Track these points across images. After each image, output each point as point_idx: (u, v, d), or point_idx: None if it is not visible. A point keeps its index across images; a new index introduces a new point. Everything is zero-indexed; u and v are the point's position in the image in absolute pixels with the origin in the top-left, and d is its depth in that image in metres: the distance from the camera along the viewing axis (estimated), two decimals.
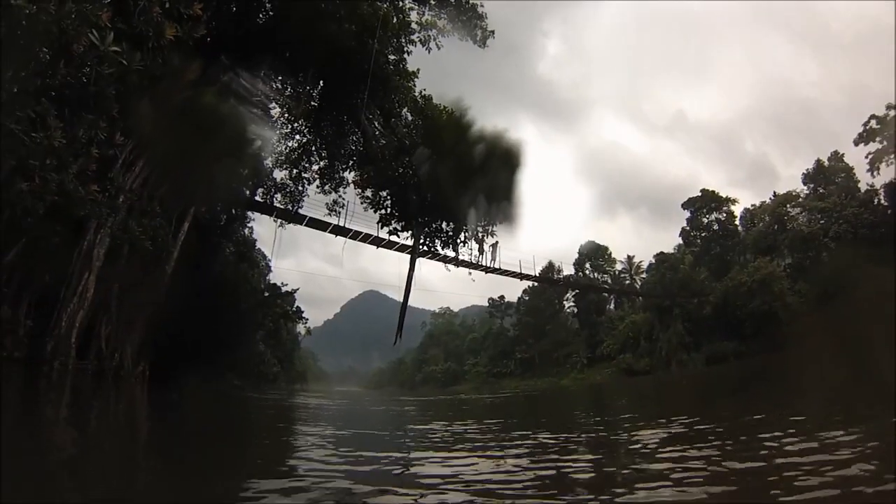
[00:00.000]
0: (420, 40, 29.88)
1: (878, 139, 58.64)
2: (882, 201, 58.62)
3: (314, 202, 34.07)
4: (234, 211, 35.00)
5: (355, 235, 35.24)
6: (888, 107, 57.53)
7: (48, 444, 6.25)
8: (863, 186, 61.12)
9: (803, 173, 66.31)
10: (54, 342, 16.29)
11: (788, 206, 65.13)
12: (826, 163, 64.54)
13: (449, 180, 27.98)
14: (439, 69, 30.51)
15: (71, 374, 16.18)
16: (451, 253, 33.43)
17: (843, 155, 63.87)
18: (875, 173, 59.41)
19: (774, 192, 69.51)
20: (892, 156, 57.32)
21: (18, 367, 15.28)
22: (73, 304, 16.82)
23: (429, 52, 30.06)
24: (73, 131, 9.20)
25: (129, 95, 9.91)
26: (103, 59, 8.25)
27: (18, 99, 8.02)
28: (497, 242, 36.62)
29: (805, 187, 65.92)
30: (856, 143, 60.59)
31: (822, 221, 59.30)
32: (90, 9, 7.82)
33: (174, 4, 9.86)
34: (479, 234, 32.60)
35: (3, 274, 15.04)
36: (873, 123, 58.79)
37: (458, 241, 32.23)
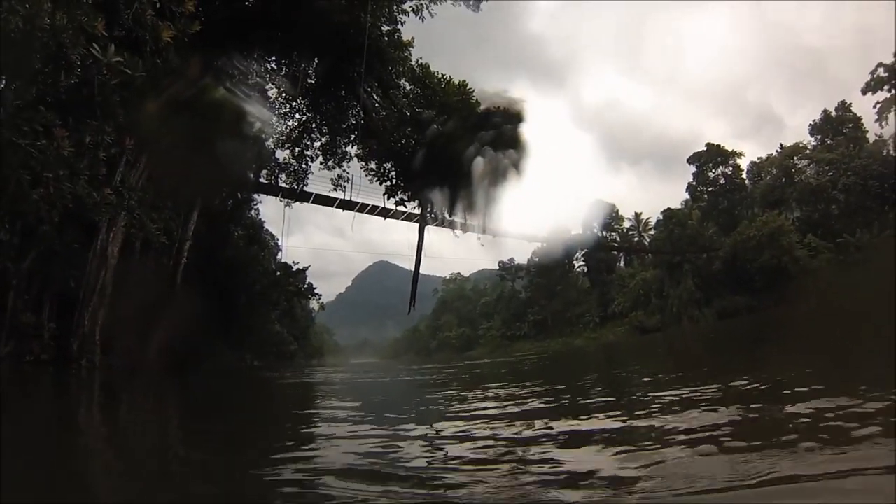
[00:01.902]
0: (413, 9, 29.60)
1: (885, 88, 57.35)
2: (891, 152, 57.51)
3: (319, 178, 34.13)
4: (240, 195, 35.15)
5: (362, 208, 35.33)
6: None
7: (88, 444, 6.50)
8: (871, 137, 60.31)
9: (810, 124, 65.44)
10: (79, 341, 16.64)
11: (796, 158, 64.32)
12: (833, 113, 63.39)
13: (452, 142, 27.97)
14: (431, 36, 30.23)
15: (98, 371, 16.54)
16: (458, 219, 33.51)
17: (850, 105, 62.65)
18: (883, 123, 58.36)
19: (781, 145, 68.79)
20: None
21: (47, 369, 15.66)
22: (93, 303, 17.14)
23: (422, 20, 29.79)
24: (79, 137, 9.33)
25: (132, 99, 9.99)
26: (107, 69, 8.33)
27: (22, 112, 8.15)
28: (504, 205, 36.54)
29: (812, 138, 65.12)
30: (863, 93, 59.21)
31: (830, 173, 58.44)
32: (86, 21, 7.89)
33: (166, 4, 9.89)
34: (486, 198, 32.59)
35: (23, 280, 15.35)
36: (881, 72, 57.29)
37: (465, 205, 32.27)
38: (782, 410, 5.76)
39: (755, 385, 8.02)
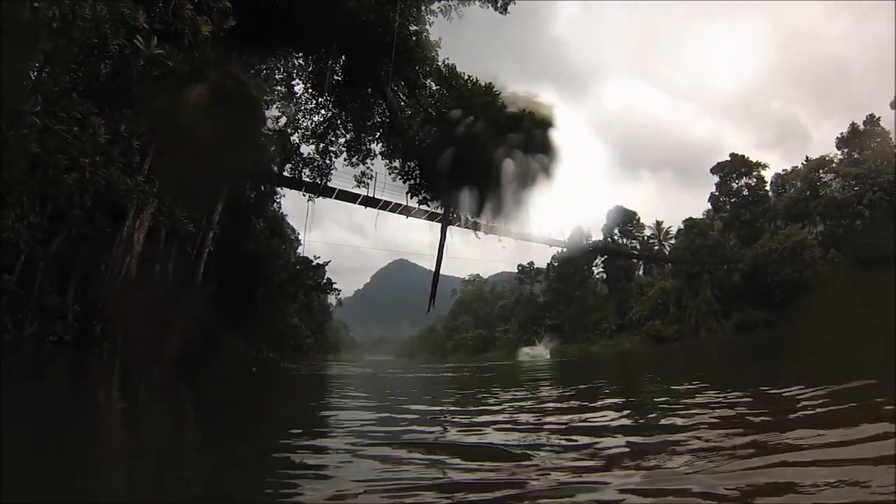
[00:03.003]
0: (441, 10, 29.80)
1: None
2: None
3: (342, 174, 34.40)
4: (263, 187, 35.52)
5: (385, 206, 35.50)
6: None
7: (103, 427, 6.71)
8: None
9: (837, 137, 64.32)
10: (102, 325, 16.97)
11: (821, 171, 63.28)
12: (861, 126, 62.49)
13: (478, 144, 28.06)
14: (455, 38, 30.44)
15: (119, 356, 16.86)
16: (481, 220, 33.60)
17: (878, 118, 61.49)
18: None
19: (807, 157, 67.83)
20: None
21: (69, 350, 16.01)
22: (117, 288, 17.47)
23: (450, 21, 29.99)
24: (114, 126, 9.61)
25: (168, 90, 10.25)
26: (148, 61, 8.57)
27: (60, 100, 8.43)
28: (527, 209, 36.48)
29: (839, 152, 63.90)
30: (892, 107, 58.26)
31: (856, 188, 57.51)
32: (128, 13, 8.13)
33: (203, 1, 10.14)
34: (510, 201, 32.61)
35: (50, 262, 15.71)
36: None
37: (489, 207, 32.37)
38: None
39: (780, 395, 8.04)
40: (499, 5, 30.24)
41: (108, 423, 7.10)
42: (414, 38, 28.94)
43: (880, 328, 24.31)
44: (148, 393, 11.30)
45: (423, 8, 29.14)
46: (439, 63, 30.43)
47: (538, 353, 60.59)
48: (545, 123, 28.20)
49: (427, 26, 29.71)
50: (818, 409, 5.91)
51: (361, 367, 29.79)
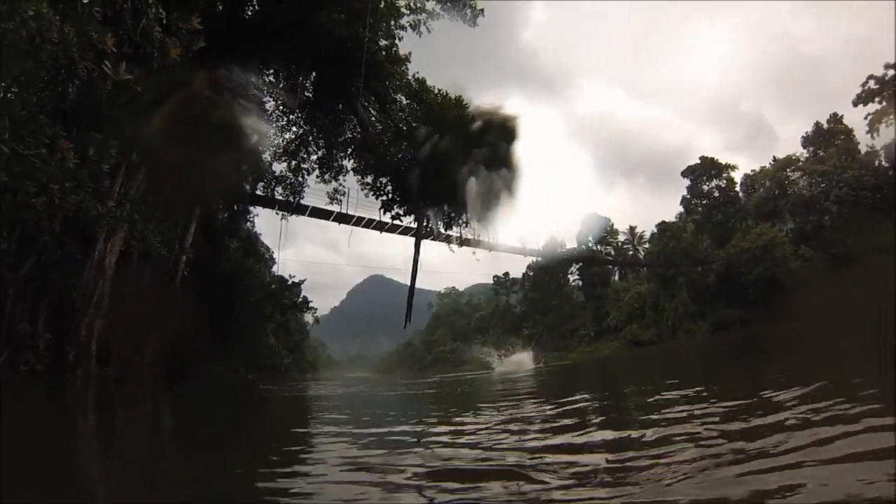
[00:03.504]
0: (410, 25, 29.88)
1: (877, 100, 57.96)
2: (883, 162, 58.19)
3: (315, 192, 34.38)
4: (236, 207, 35.25)
5: (358, 222, 35.53)
6: (886, 66, 56.66)
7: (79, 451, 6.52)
8: (863, 148, 60.58)
9: (802, 136, 65.78)
10: (75, 352, 16.59)
11: (788, 170, 64.72)
12: (825, 125, 63.95)
13: (448, 160, 28.16)
14: (424, 47, 30.62)
15: (93, 381, 16.49)
16: (454, 233, 33.72)
17: (842, 116, 62.91)
18: (875, 135, 58.76)
19: (774, 157, 69.24)
20: (892, 116, 56.89)
21: (41, 379, 15.61)
22: (89, 313, 17.11)
23: (419, 36, 30.09)
24: (83, 150, 9.42)
25: (137, 113, 10.08)
26: (117, 86, 8.42)
27: (28, 123, 8.23)
28: (499, 219, 36.67)
29: (805, 150, 65.45)
30: (854, 104, 59.54)
31: (822, 185, 58.88)
32: (96, 37, 7.98)
33: (172, 21, 10.00)
34: (481, 212, 32.70)
35: (19, 289, 15.34)
36: (872, 84, 57.88)
37: (461, 221, 32.44)
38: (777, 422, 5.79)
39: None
40: (468, 18, 30.41)
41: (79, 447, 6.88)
42: (384, 53, 29.03)
43: (856, 323, 24.70)
44: (124, 417, 11.03)
45: (392, 23, 29.21)
46: (410, 77, 30.60)
47: (521, 361, 60.40)
48: (511, 135, 28.47)
49: (397, 41, 29.78)
50: (805, 411, 5.86)
51: (341, 387, 29.48)
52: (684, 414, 7.23)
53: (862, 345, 15.16)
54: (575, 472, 4.63)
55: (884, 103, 57.02)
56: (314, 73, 29.94)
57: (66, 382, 15.98)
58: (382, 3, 28.35)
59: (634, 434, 6.09)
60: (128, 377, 18.51)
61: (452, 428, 8.41)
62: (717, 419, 6.44)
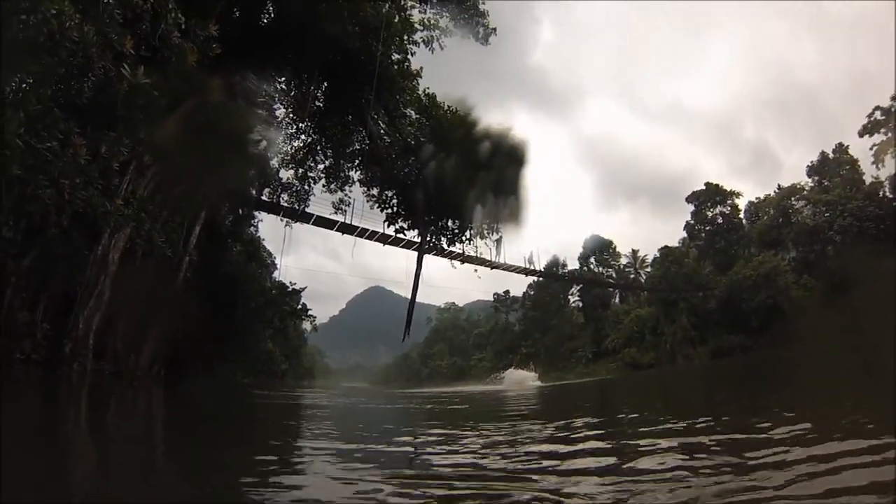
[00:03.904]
0: (423, 41, 30.12)
1: (882, 130, 58.01)
2: (887, 194, 58.27)
3: (320, 200, 34.50)
4: (241, 211, 35.38)
5: (362, 233, 35.58)
6: (893, 98, 56.93)
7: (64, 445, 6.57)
8: (867, 179, 60.76)
9: (808, 165, 66.15)
10: (72, 344, 16.66)
11: (793, 199, 65.02)
12: (830, 155, 64.22)
13: (455, 177, 28.32)
14: (434, 64, 30.86)
15: (89, 375, 16.55)
16: (457, 249, 33.82)
17: (847, 147, 63.31)
18: (880, 165, 58.85)
19: (779, 185, 69.72)
20: None
21: (37, 369, 15.66)
22: (89, 307, 17.20)
23: (432, 52, 30.32)
24: (95, 147, 9.56)
25: (152, 115, 10.22)
26: (133, 89, 8.57)
27: (44, 118, 8.38)
28: (502, 238, 36.78)
29: (809, 180, 65.74)
30: (860, 135, 59.71)
31: (826, 215, 59.00)
32: (115, 39, 8.15)
33: (191, 27, 10.16)
34: (485, 231, 32.83)
35: (21, 278, 15.44)
36: (878, 115, 58.01)
37: (464, 237, 32.55)
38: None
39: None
40: (480, 37, 30.66)
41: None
42: (396, 67, 29.21)
43: (858, 351, 24.68)
44: (115, 414, 11.09)
45: (406, 38, 29.44)
46: (420, 92, 30.74)
47: (523, 377, 60.33)
48: (519, 160, 28.66)
49: (409, 56, 30.00)
50: (809, 444, 5.89)
51: (337, 397, 29.42)
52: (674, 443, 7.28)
53: (861, 374, 15.21)
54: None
55: (889, 134, 57.18)
56: (325, 83, 30.15)
57: (61, 375, 16.03)
58: (397, 17, 28.59)
59: (626, 461, 6.14)
60: (123, 373, 18.59)
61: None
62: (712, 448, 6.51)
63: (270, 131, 28.66)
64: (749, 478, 4.43)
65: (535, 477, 5.38)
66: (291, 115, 31.63)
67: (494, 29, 30.84)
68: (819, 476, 4.07)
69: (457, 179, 28.47)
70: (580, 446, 7.45)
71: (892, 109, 57.10)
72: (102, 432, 7.97)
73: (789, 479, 4.17)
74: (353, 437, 9.10)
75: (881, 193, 58.67)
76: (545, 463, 5.84)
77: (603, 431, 9.11)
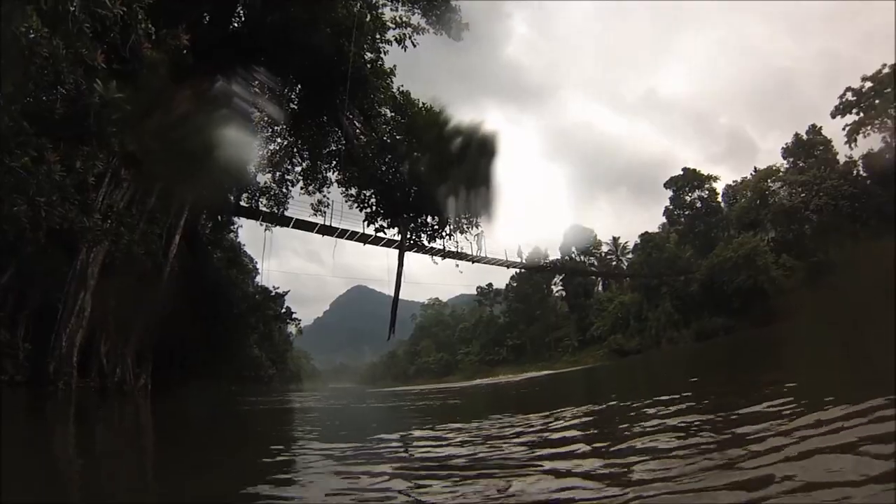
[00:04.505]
0: (396, 39, 29.95)
1: (854, 111, 59.56)
2: (861, 172, 59.55)
3: (299, 203, 34.32)
4: (220, 217, 35.08)
5: (342, 234, 35.47)
6: (863, 78, 58.64)
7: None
8: (841, 158, 61.83)
9: (782, 147, 67.08)
10: (56, 363, 16.40)
11: (769, 180, 65.94)
12: (804, 136, 65.13)
13: (430, 174, 28.29)
14: (407, 60, 30.72)
15: (75, 393, 16.31)
16: (437, 245, 33.77)
17: (820, 128, 64.36)
18: (853, 145, 60.19)
19: (755, 168, 70.69)
20: (869, 127, 58.12)
21: (21, 390, 15.39)
22: (71, 324, 16.94)
23: (405, 50, 30.16)
24: (69, 162, 9.38)
25: (125, 127, 10.05)
26: (108, 105, 8.44)
27: (18, 136, 8.21)
28: (482, 232, 36.82)
29: (785, 161, 66.67)
30: (833, 116, 61.32)
31: (802, 195, 59.91)
32: (86, 53, 8.00)
33: (161, 37, 10.01)
34: (464, 225, 32.78)
35: None
36: (849, 96, 59.68)
37: (444, 233, 32.49)
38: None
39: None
40: (452, 33, 30.53)
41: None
42: (369, 67, 29.04)
43: (837, 328, 25.00)
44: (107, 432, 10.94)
45: (378, 37, 29.27)
46: (394, 90, 30.61)
47: None
48: (491, 152, 28.66)
49: (382, 55, 29.84)
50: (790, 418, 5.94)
51: (326, 400, 29.35)
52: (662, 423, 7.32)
53: (841, 351, 15.40)
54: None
55: (861, 114, 58.29)
56: (299, 86, 29.95)
57: (46, 395, 15.77)
58: (368, 16, 28.41)
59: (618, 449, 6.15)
60: (109, 389, 18.34)
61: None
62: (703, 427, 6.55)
63: (247, 136, 28.42)
64: (730, 455, 4.50)
65: (534, 461, 5.43)
66: (266, 119, 31.41)
67: (467, 24, 30.73)
68: (795, 460, 4.09)
69: (433, 175, 28.45)
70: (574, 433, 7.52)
71: (863, 90, 58.21)
72: (91, 452, 7.86)
73: (769, 452, 4.31)
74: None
75: (855, 172, 59.84)
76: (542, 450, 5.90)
77: (592, 418, 9.18)
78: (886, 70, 56.29)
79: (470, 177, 28.22)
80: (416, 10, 30.21)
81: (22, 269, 15.71)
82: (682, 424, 6.94)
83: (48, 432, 9.47)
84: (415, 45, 30.24)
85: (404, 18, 30.04)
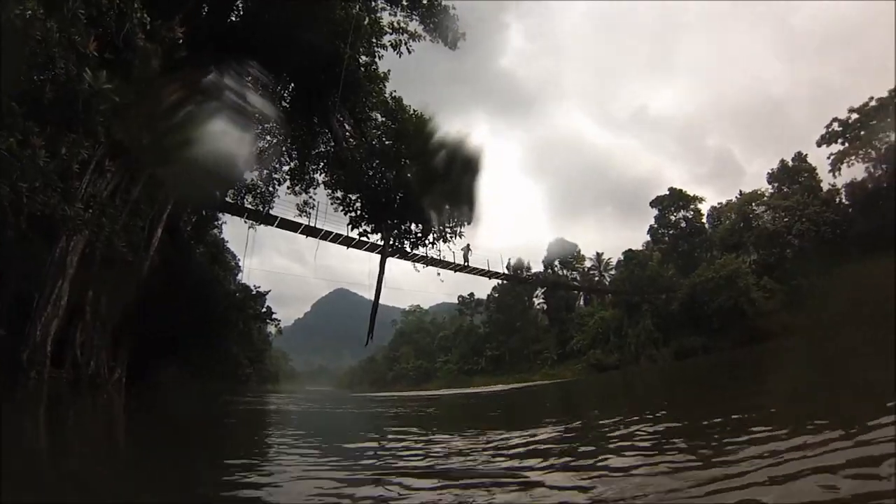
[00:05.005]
0: (392, 44, 29.94)
1: (839, 141, 61.51)
2: (843, 200, 61.40)
3: (284, 202, 34.18)
4: (204, 213, 34.79)
5: (326, 236, 35.38)
6: (850, 110, 60.60)
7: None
8: (825, 186, 63.31)
9: (768, 172, 68.40)
10: (29, 351, 16.08)
11: (754, 204, 67.19)
12: (790, 163, 66.33)
13: (416, 182, 28.30)
14: (400, 64, 30.77)
15: (47, 384, 16.01)
16: (420, 252, 33.77)
17: (806, 155, 65.85)
18: (836, 174, 62.11)
19: (740, 191, 71.97)
20: (853, 157, 59.44)
21: None
22: (47, 312, 16.63)
23: (399, 56, 30.15)
24: (54, 148, 9.22)
25: (114, 118, 9.91)
26: (96, 95, 8.32)
27: (4, 119, 8.06)
28: (468, 245, 36.92)
29: (770, 186, 67.88)
30: (818, 145, 63.23)
31: (785, 219, 60.91)
32: (79, 41, 7.89)
33: (156, 29, 9.90)
34: (448, 235, 32.76)
35: None
36: (835, 126, 61.72)
37: (427, 241, 32.48)
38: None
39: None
40: (448, 41, 30.55)
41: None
42: (363, 70, 29.00)
43: (815, 350, 25.25)
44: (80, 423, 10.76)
45: (374, 41, 29.24)
46: (386, 95, 30.57)
47: None
48: (473, 170, 28.73)
49: (377, 59, 29.81)
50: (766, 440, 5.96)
51: (303, 401, 29.21)
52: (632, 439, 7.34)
53: (818, 373, 15.54)
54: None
55: (846, 144, 59.69)
56: (293, 84, 29.82)
57: (18, 383, 15.47)
58: (367, 20, 28.37)
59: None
60: (83, 381, 18.04)
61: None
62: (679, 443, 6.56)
63: (236, 131, 28.22)
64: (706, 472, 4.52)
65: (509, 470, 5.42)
66: (257, 115, 31.23)
67: (464, 34, 30.76)
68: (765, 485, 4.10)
69: (420, 183, 28.47)
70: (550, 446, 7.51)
71: (850, 121, 59.51)
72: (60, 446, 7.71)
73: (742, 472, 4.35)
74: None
75: (837, 200, 61.57)
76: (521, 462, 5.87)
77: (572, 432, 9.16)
78: (873, 103, 57.67)
79: (453, 190, 28.27)
80: (414, 17, 30.23)
81: (1, 254, 15.42)
82: (651, 443, 6.98)
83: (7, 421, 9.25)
84: (410, 52, 30.27)
85: (402, 24, 30.07)
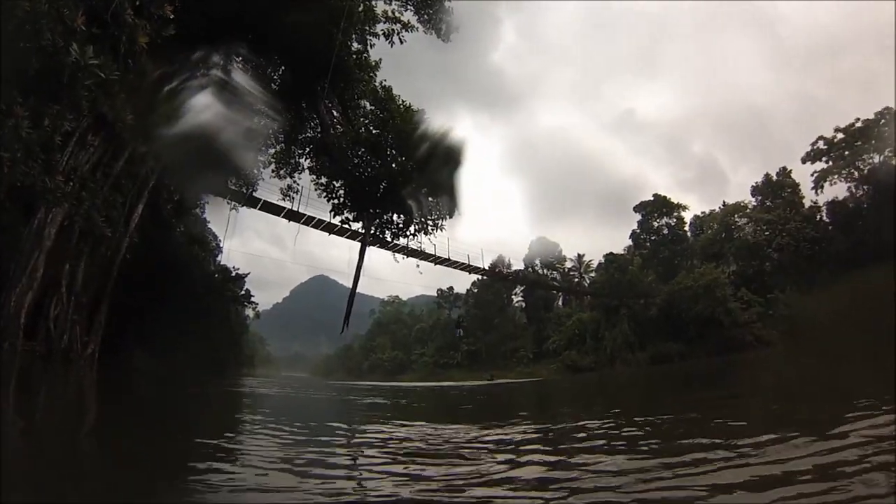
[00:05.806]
0: (384, 33, 29.86)
1: (823, 159, 62.54)
2: (824, 218, 62.43)
3: (268, 185, 33.98)
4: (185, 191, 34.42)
5: (308, 221, 35.28)
6: (836, 129, 61.78)
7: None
8: (807, 202, 64.57)
9: (752, 186, 69.71)
10: (2, 322, 15.89)
11: (736, 215, 68.29)
12: (774, 177, 67.24)
13: (402, 172, 28.32)
14: (391, 53, 30.71)
15: (19, 356, 15.83)
16: (401, 243, 33.80)
17: (790, 171, 67.09)
18: (819, 191, 63.14)
19: (724, 202, 72.99)
20: (836, 176, 60.26)
21: None
22: (22, 284, 16.43)
23: (391, 45, 30.09)
24: (37, 119, 9.10)
25: (99, 93, 9.79)
26: (82, 70, 8.22)
27: None
28: (448, 239, 36.97)
29: (753, 199, 69.11)
30: (803, 161, 64.38)
31: (766, 233, 61.86)
32: (67, 14, 7.80)
33: (145, 6, 9.81)
34: (429, 227, 32.79)
35: None
36: (821, 144, 62.78)
37: (409, 232, 32.51)
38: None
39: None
40: (441, 33, 30.53)
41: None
42: (354, 57, 28.89)
43: (792, 364, 25.56)
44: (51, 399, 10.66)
45: (367, 29, 29.13)
46: (376, 84, 30.48)
47: None
48: (455, 163, 28.81)
49: (369, 47, 29.71)
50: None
51: (278, 387, 29.14)
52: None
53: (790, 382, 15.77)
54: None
55: (830, 163, 60.46)
56: (283, 68, 29.62)
57: None
58: (361, 6, 28.26)
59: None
60: (55, 355, 17.86)
61: None
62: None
63: (222, 110, 27.98)
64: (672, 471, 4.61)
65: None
66: (245, 96, 30.96)
67: (457, 27, 30.76)
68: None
69: (404, 174, 28.51)
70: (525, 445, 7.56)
71: (835, 140, 60.44)
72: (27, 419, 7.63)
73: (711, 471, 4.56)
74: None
75: (818, 217, 62.69)
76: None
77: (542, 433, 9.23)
78: (859, 124, 58.59)
79: (435, 182, 28.31)
80: (409, 7, 30.19)
81: None
82: (621, 443, 7.08)
83: None
84: (402, 42, 30.22)
85: (396, 13, 30.00)
